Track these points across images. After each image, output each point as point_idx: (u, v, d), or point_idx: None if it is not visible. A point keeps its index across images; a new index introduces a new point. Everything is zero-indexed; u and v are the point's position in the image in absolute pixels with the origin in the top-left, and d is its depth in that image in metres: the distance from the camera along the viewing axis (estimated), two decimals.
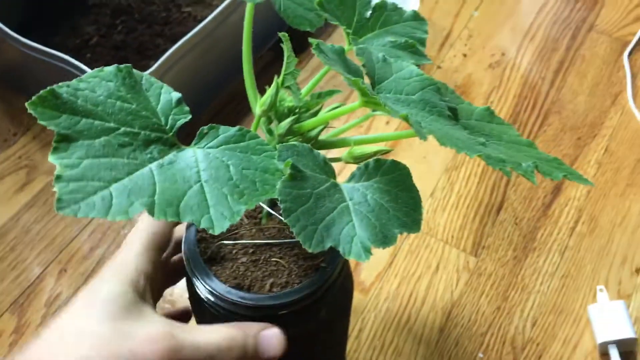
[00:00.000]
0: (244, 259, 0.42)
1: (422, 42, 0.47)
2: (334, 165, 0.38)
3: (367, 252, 0.34)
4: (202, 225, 0.33)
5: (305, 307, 0.40)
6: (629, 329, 0.61)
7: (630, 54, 0.87)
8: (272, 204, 0.44)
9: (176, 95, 0.38)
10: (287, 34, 0.41)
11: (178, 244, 0.46)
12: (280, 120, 0.41)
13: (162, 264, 0.42)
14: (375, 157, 0.39)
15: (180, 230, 0.45)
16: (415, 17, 0.47)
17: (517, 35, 0.91)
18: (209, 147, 0.37)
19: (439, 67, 0.87)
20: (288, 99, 0.41)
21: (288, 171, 0.34)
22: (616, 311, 0.62)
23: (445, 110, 0.40)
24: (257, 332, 0.39)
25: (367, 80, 0.39)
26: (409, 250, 0.69)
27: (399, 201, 0.36)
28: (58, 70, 0.67)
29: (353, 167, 0.38)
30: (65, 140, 0.34)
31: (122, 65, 0.37)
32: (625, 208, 0.72)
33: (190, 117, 0.38)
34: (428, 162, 0.76)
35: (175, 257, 0.47)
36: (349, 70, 0.38)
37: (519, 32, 0.91)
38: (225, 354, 0.37)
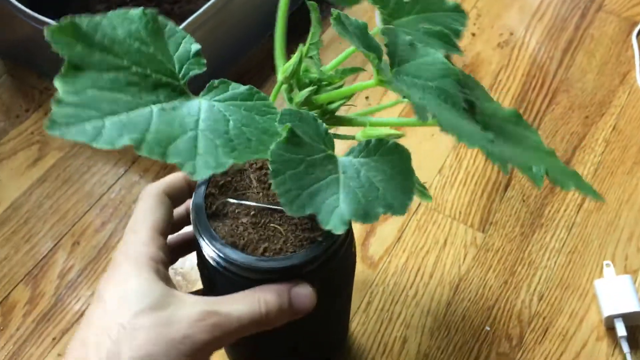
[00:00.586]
0: (244, 220, 0.43)
1: (458, 33, 0.46)
2: (348, 143, 0.38)
3: (344, 224, 0.34)
4: (184, 169, 0.33)
5: (294, 277, 0.41)
6: (635, 302, 0.61)
7: (639, 33, 0.87)
8: None
9: (196, 46, 0.38)
10: (315, 3, 0.42)
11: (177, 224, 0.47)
12: (300, 90, 0.41)
13: (168, 248, 0.43)
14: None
15: (178, 213, 0.46)
16: (456, 8, 0.47)
17: (525, 15, 0.91)
18: (215, 100, 0.37)
19: None
20: (313, 70, 0.41)
21: (284, 134, 0.34)
22: (622, 286, 0.63)
23: (461, 102, 0.39)
24: (289, 290, 0.40)
25: (387, 60, 0.40)
26: (417, 226, 0.70)
27: (391, 182, 0.36)
28: None
29: None
30: (74, 69, 0.34)
31: (148, 9, 0.37)
32: (632, 185, 0.73)
33: (205, 69, 0.38)
34: (436, 139, 0.77)
35: (176, 234, 0.48)
36: (367, 46, 0.38)
37: (527, 12, 0.91)
38: (265, 317, 0.39)
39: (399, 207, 0.35)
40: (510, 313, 0.64)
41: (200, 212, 0.43)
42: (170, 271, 0.64)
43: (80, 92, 0.33)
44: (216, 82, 0.38)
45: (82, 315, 0.63)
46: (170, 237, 0.46)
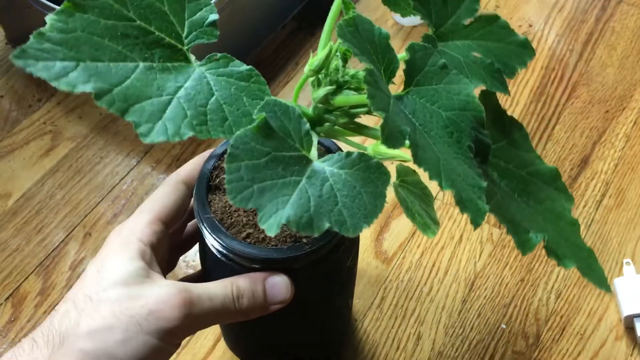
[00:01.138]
0: None
1: (513, 72, 0.43)
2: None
3: (278, 228, 0.32)
4: (138, 129, 0.33)
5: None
6: None
7: None
8: None
9: (215, 16, 0.37)
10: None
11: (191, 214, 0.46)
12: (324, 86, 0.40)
13: (168, 235, 0.43)
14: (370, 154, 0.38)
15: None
16: (524, 44, 0.43)
17: (545, 7, 0.89)
18: (209, 71, 0.36)
19: None
20: (344, 71, 0.40)
21: (256, 123, 0.33)
22: None
23: (468, 140, 0.36)
24: (264, 279, 0.40)
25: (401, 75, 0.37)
26: None
27: (355, 200, 0.34)
28: None
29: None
30: (74, 8, 0.33)
31: None
32: None
33: (215, 40, 0.37)
34: None
35: (189, 225, 0.48)
36: (372, 59, 0.35)
37: (547, 3, 0.90)
38: (237, 302, 0.39)
39: (350, 227, 0.33)
40: (527, 311, 0.63)
41: (202, 181, 0.43)
42: (182, 263, 0.63)
43: (68, 32, 0.33)
44: (219, 55, 0.36)
45: None
46: (190, 224, 0.47)
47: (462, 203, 0.34)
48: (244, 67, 0.36)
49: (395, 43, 0.80)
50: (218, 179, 0.43)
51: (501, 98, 0.78)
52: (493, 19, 0.43)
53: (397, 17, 0.86)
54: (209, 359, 0.59)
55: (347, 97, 0.40)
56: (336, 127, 0.41)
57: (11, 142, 0.73)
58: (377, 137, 0.39)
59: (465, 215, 0.33)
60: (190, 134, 0.34)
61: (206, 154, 0.45)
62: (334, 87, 0.39)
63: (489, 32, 0.43)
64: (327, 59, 0.39)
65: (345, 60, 0.40)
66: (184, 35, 0.36)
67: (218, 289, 0.38)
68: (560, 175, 0.42)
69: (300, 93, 0.42)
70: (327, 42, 0.40)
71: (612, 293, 0.63)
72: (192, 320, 0.37)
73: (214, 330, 0.61)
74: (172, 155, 0.73)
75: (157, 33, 0.35)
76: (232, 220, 0.42)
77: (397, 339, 0.61)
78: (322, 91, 0.39)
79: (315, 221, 0.32)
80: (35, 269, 0.64)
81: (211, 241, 0.41)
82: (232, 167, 0.32)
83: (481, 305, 0.63)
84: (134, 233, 0.40)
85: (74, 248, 0.66)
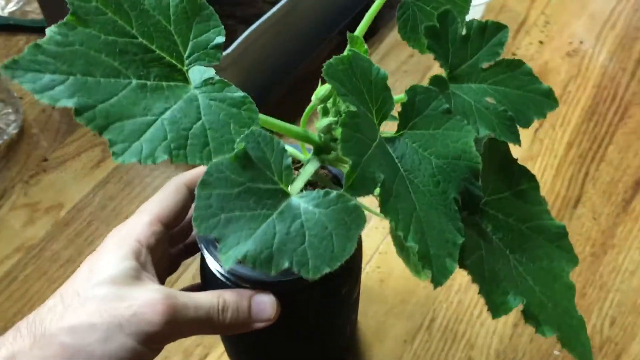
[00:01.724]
0: None
1: (528, 122, 0.40)
2: None
3: (234, 262, 0.31)
4: (113, 148, 0.32)
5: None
6: None
7: None
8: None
9: (220, 39, 0.36)
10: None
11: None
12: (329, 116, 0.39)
13: (167, 237, 0.43)
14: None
15: None
16: (547, 93, 0.42)
17: (596, 23, 0.88)
18: (203, 94, 0.35)
19: (513, 54, 0.85)
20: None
21: (234, 153, 0.32)
22: None
23: (455, 191, 0.35)
24: (250, 296, 0.40)
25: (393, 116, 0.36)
26: None
27: (323, 241, 0.32)
28: None
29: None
30: (76, 21, 0.33)
31: None
32: None
33: (217, 63, 0.36)
34: None
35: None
36: (363, 99, 0.34)
37: (598, 20, 0.88)
38: (220, 315, 0.38)
39: (311, 269, 0.31)
40: None
41: None
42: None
43: (65, 45, 0.33)
44: (215, 79, 0.35)
45: None
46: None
47: (427, 259, 0.33)
48: (239, 93, 0.35)
49: None
50: None
51: (552, 117, 0.76)
52: (516, 64, 0.41)
53: None
54: None
55: (339, 130, 0.39)
56: (341, 156, 0.40)
57: (63, 153, 0.74)
58: None
59: None
60: (165, 157, 0.33)
61: None
62: (336, 118, 0.39)
63: (509, 77, 0.41)
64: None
65: None
66: (185, 55, 0.36)
67: (204, 300, 0.38)
68: (566, 234, 0.39)
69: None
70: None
71: None
72: (174, 327, 0.37)
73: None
74: None
75: (157, 52, 0.35)
76: None
77: None
78: (325, 121, 0.39)
79: (275, 259, 0.31)
80: None
81: (207, 257, 0.42)
82: (203, 195, 0.31)
83: (533, 331, 0.62)
84: (131, 233, 0.40)
85: None
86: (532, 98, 0.41)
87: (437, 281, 0.33)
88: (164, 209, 0.42)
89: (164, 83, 0.35)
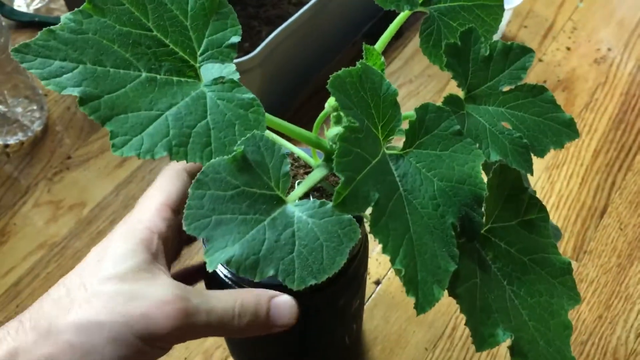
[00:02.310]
0: None
1: (544, 151, 0.39)
2: None
3: (217, 265, 0.30)
4: (112, 139, 0.32)
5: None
6: None
7: None
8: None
9: (236, 38, 0.35)
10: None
11: None
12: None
13: (177, 224, 0.40)
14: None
15: None
16: (569, 124, 0.40)
17: (625, 30, 0.86)
18: (211, 93, 0.34)
19: (540, 60, 0.84)
20: None
21: (232, 155, 0.32)
22: None
23: (452, 218, 0.33)
24: (269, 299, 0.37)
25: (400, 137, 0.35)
26: None
27: (312, 253, 0.31)
28: None
29: None
30: (92, 10, 0.33)
31: None
32: None
33: (230, 63, 0.35)
34: None
35: None
36: (365, 110, 0.33)
37: (627, 27, 0.87)
38: (237, 320, 0.36)
39: (296, 280, 0.31)
40: (605, 350, 0.61)
41: None
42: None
43: (79, 33, 0.32)
44: (226, 78, 0.35)
45: None
46: None
47: (413, 284, 0.32)
48: (248, 94, 0.35)
49: None
50: None
51: (578, 125, 0.75)
52: (538, 90, 0.40)
53: None
54: None
55: None
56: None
57: (86, 151, 0.74)
58: None
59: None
60: (164, 153, 0.32)
61: None
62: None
63: (529, 103, 0.40)
64: None
65: None
66: (199, 52, 0.35)
67: (219, 303, 0.36)
68: (571, 271, 0.38)
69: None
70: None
71: None
72: (184, 331, 0.35)
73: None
74: None
75: (171, 46, 0.35)
76: None
77: None
78: (335, 130, 0.38)
79: (260, 266, 0.31)
80: None
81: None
82: (196, 194, 0.31)
83: None
84: (141, 221, 0.38)
85: None
86: (550, 126, 0.40)
87: (421, 308, 0.32)
88: (170, 195, 0.40)
89: (175, 78, 0.34)
